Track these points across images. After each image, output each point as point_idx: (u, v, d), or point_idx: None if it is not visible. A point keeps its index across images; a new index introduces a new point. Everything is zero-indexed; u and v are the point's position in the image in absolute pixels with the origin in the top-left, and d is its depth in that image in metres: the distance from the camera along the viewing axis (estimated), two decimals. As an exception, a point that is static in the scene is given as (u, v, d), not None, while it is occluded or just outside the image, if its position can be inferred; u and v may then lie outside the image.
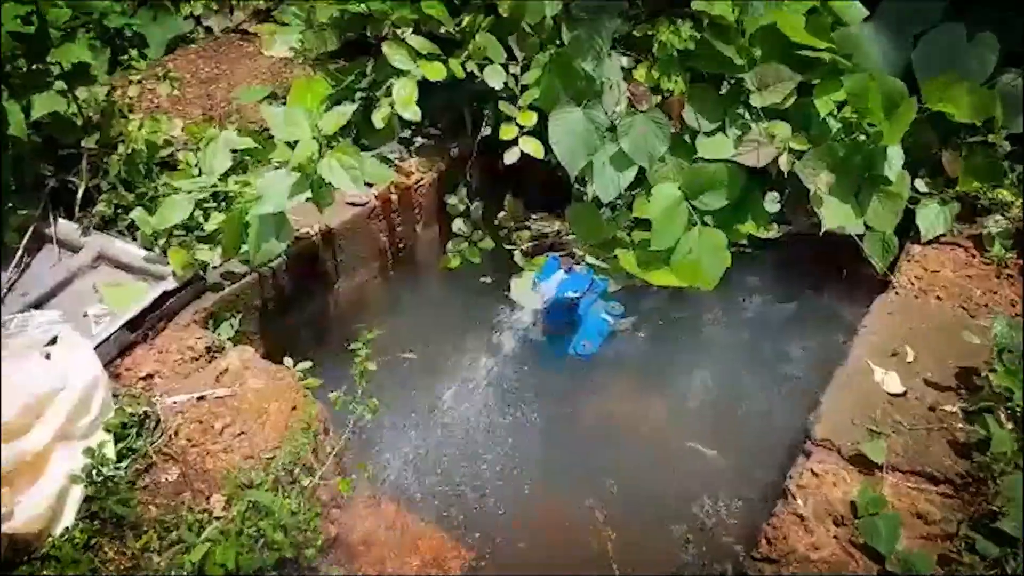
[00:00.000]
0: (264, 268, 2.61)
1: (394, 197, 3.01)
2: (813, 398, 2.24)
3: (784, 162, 2.66)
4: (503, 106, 2.82)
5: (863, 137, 2.67)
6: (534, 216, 3.33)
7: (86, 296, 2.47)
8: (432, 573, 2.08)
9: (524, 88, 2.84)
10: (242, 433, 2.12)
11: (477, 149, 3.13)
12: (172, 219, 2.44)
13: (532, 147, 2.80)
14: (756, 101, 2.75)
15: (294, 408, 2.19)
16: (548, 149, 2.79)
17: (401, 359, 2.87)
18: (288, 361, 2.34)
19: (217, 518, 1.94)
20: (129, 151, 2.55)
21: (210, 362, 2.34)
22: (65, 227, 2.61)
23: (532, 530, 2.39)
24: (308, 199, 2.42)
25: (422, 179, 3.11)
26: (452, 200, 3.15)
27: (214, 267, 2.55)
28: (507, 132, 2.81)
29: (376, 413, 2.13)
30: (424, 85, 2.93)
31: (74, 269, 2.52)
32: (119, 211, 2.63)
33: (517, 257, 3.16)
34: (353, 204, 2.89)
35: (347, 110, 2.45)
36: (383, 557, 2.06)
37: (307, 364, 2.33)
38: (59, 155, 2.72)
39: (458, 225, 3.15)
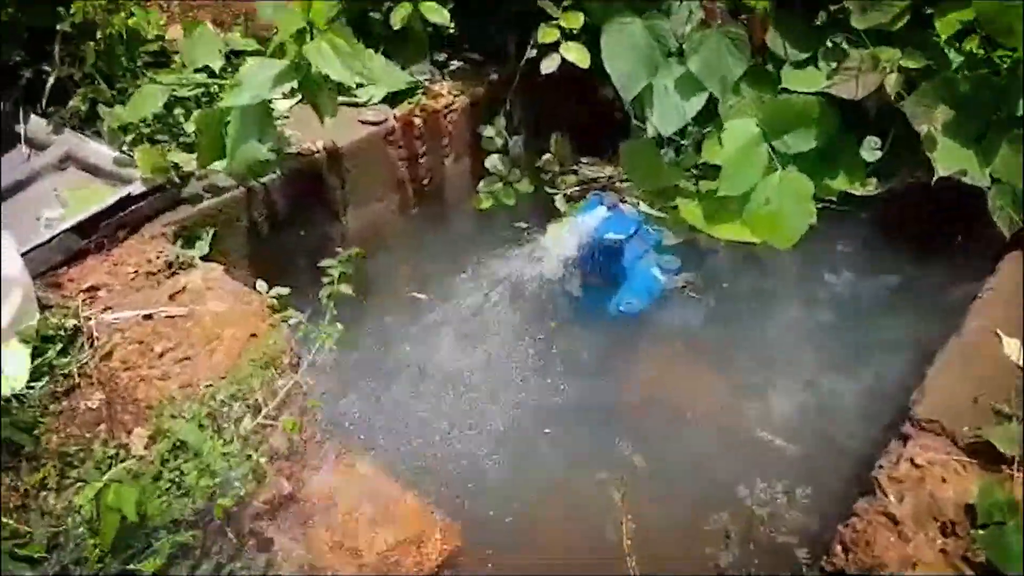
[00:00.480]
0: (255, 184, 2.24)
1: (418, 121, 2.60)
2: (914, 379, 1.72)
3: (892, 83, 2.16)
4: (543, 3, 2.34)
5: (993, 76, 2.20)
6: (583, 160, 2.87)
7: (46, 199, 2.14)
8: (404, 555, 1.63)
9: (571, -16, 2.38)
10: (186, 359, 1.74)
11: (520, 76, 2.68)
12: (142, 111, 2.10)
13: (575, 55, 2.33)
14: (857, 23, 2.32)
15: (253, 335, 1.79)
16: (597, 69, 2.34)
17: (411, 299, 2.47)
18: (261, 285, 1.96)
19: (136, 456, 1.56)
20: (107, 38, 2.21)
21: (169, 278, 1.97)
22: (36, 123, 2.29)
23: (537, 516, 1.94)
24: (300, 98, 2.04)
25: (453, 103, 2.67)
26: (488, 132, 2.71)
27: (197, 178, 2.20)
28: (547, 35, 2.34)
29: (337, 341, 1.71)
30: (465, 4, 2.56)
31: (37, 169, 2.19)
32: (97, 107, 2.29)
33: (559, 202, 2.72)
34: (366, 123, 2.49)
35: (348, -11, 2.04)
36: (346, 527, 1.62)
37: (283, 290, 1.95)
38: (45, 48, 2.40)
39: (492, 162, 2.71)
